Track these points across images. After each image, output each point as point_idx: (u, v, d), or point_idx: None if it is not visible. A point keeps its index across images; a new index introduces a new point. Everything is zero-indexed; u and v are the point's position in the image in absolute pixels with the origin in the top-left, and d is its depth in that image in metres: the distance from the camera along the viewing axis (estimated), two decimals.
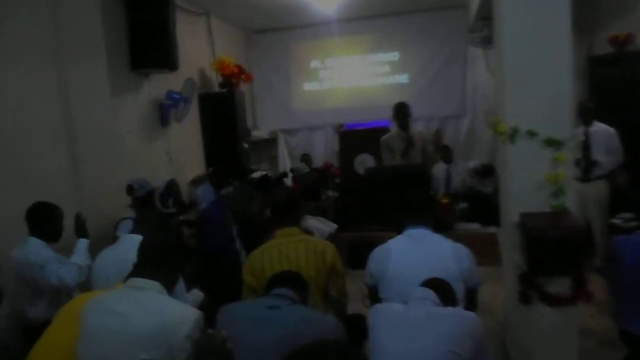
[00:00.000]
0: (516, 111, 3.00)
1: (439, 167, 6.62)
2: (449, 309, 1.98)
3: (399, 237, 2.41)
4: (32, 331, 2.46)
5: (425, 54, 7.27)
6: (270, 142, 7.74)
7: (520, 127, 3.01)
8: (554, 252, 2.74)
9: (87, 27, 4.14)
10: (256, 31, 7.70)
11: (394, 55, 7.41)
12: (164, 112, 5.22)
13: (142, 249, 1.87)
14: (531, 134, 3.00)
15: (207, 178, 5.24)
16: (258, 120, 7.81)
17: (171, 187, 4.39)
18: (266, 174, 4.66)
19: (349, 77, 7.58)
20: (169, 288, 1.83)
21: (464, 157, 7.00)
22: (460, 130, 7.28)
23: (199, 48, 6.20)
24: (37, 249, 2.85)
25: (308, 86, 7.71)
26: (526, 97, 3.00)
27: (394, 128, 4.76)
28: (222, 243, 3.71)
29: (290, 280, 2.08)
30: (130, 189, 4.23)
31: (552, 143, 2.99)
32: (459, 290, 2.22)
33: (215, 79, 6.32)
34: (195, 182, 5.71)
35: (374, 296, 2.41)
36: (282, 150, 7.80)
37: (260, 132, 7.53)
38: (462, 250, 2.37)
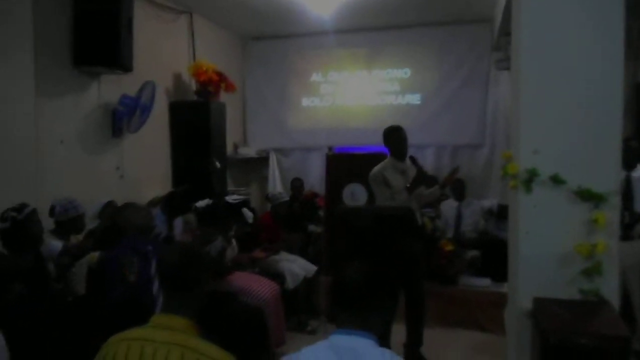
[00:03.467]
0: (534, 147, 2.03)
1: (449, 204, 5.62)
2: None
3: (320, 344, 1.45)
4: None
5: (441, 73, 6.32)
6: (261, 162, 6.86)
7: (540, 170, 2.03)
8: None
9: (15, 16, 3.40)
10: (253, 37, 6.89)
11: (405, 72, 6.48)
12: (117, 121, 4.39)
13: None
14: (556, 180, 2.03)
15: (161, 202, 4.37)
16: (248, 137, 6.95)
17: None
18: (212, 204, 3.70)
19: (353, 94, 6.66)
20: None
21: (479, 195, 5.97)
22: (476, 162, 6.26)
23: (177, 50, 5.41)
24: None
25: (306, 102, 6.83)
26: (551, 127, 2.03)
27: (388, 158, 3.77)
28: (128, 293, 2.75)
29: None
30: (52, 211, 3.46)
31: (589, 197, 2.01)
32: None
33: (194, 86, 5.50)
34: (154, 204, 4.84)
35: None
36: (273, 171, 6.89)
37: (249, 150, 6.66)
38: None
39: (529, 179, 2.05)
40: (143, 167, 4.81)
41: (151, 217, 2.98)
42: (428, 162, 6.46)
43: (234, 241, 4.09)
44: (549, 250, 2.04)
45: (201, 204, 3.64)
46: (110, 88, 4.33)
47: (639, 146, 3.78)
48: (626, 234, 3.65)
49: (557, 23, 2.04)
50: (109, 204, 3.81)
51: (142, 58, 4.50)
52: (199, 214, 3.61)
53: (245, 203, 4.72)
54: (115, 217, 3.09)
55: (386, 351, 1.40)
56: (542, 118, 2.05)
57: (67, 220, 3.46)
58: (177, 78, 5.42)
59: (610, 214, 2.00)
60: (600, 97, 2.00)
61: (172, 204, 4.20)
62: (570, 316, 1.87)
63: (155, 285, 2.80)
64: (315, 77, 6.78)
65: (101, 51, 3.95)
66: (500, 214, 5.32)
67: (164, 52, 5.16)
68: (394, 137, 3.74)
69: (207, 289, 1.62)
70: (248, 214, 3.81)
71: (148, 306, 2.68)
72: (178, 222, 4.29)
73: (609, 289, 2.00)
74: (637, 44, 5.12)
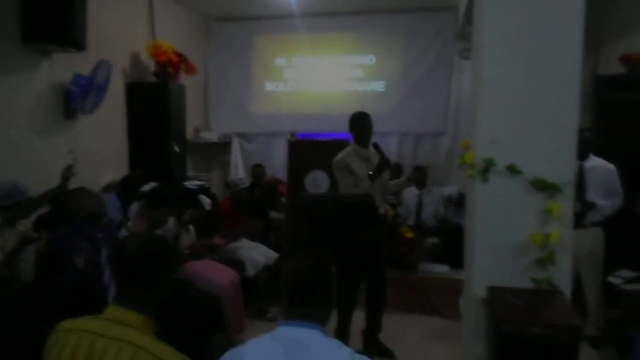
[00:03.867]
0: (491, 136, 2.02)
1: (410, 192, 5.66)
2: None
3: (265, 337, 1.40)
4: None
5: (405, 61, 6.30)
6: (223, 147, 6.72)
7: (497, 160, 2.03)
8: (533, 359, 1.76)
9: None
10: (217, 19, 6.70)
11: (370, 59, 6.44)
12: (70, 101, 4.19)
13: None
14: (513, 170, 2.03)
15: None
16: (211, 121, 6.79)
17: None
18: (159, 186, 3.56)
19: (317, 79, 6.58)
20: None
21: (440, 183, 6.04)
22: (439, 150, 6.30)
23: (134, 29, 5.20)
24: None
25: (270, 86, 6.71)
26: (508, 117, 2.03)
27: (351, 144, 3.71)
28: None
29: None
30: None
31: (544, 187, 2.02)
32: None
33: (153, 67, 5.30)
34: (110, 188, 4.67)
35: None
36: (236, 157, 6.76)
37: (211, 134, 6.50)
38: None
39: (486, 169, 2.04)
40: (98, 150, 4.62)
41: (102, 204, 2.86)
42: (391, 149, 6.47)
43: (191, 228, 3.99)
44: (504, 239, 2.05)
45: (147, 187, 3.50)
46: (63, 67, 4.11)
47: (593, 137, 3.85)
48: (578, 222, 3.74)
49: (517, 15, 2.02)
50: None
51: (97, 36, 4.29)
52: (146, 197, 3.48)
53: (203, 189, 4.61)
54: (65, 201, 2.95)
55: (333, 341, 1.36)
56: (500, 108, 2.04)
57: (12, 205, 3.29)
58: (135, 58, 5.21)
59: (565, 204, 2.02)
60: (557, 89, 2.00)
61: (127, 189, 4.05)
62: (524, 305, 1.89)
63: (107, 275, 2.70)
64: (279, 61, 6.66)
65: (52, 28, 3.72)
66: (461, 201, 5.37)
67: (121, 30, 4.94)
68: (359, 123, 3.68)
69: (169, 286, 1.54)
70: (205, 200, 3.70)
71: (99, 295, 2.58)
72: (133, 208, 4.15)
73: (562, 278, 2.03)
74: (598, 36, 5.23)
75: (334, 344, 1.36)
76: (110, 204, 3.98)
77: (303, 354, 1.31)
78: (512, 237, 2.04)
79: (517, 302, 1.89)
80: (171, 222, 3.70)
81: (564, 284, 2.01)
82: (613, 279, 3.88)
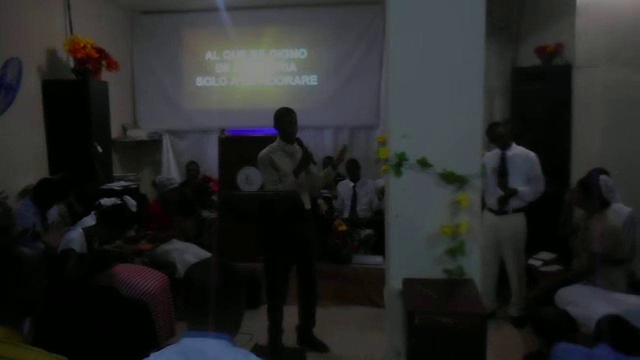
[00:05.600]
0: (403, 131, 2.06)
1: (345, 185, 5.71)
2: None
3: (169, 348, 1.35)
4: None
5: (337, 54, 6.33)
6: (153, 145, 6.51)
7: (408, 154, 2.06)
8: (443, 347, 1.81)
9: None
10: (141, 11, 6.45)
11: (302, 53, 6.43)
12: None
13: None
14: (423, 164, 2.07)
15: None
16: (139, 118, 6.55)
17: None
18: (122, 204, 3.41)
19: (249, 74, 6.50)
20: None
21: (375, 175, 6.11)
22: (371, 143, 6.38)
23: (50, 24, 4.91)
24: None
25: (201, 81, 6.55)
26: (418, 112, 2.06)
27: (277, 140, 3.67)
28: None
29: None
30: None
31: (453, 179, 2.07)
32: None
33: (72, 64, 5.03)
34: (27, 193, 4.40)
35: None
36: (167, 155, 6.58)
37: (139, 132, 6.27)
38: None
39: (399, 163, 2.08)
40: (13, 153, 4.34)
41: (5, 215, 2.66)
42: (326, 143, 6.52)
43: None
44: (418, 231, 2.09)
45: (107, 202, 3.35)
46: None
47: (506, 131, 4.01)
48: (501, 209, 3.92)
49: (423, 8, 2.06)
50: None
51: (6, 32, 4.04)
52: (103, 213, 3.33)
53: (128, 190, 4.44)
54: None
55: (240, 351, 1.33)
56: (410, 103, 2.07)
57: None
58: (52, 55, 4.93)
59: (473, 196, 2.08)
60: (463, 83, 2.06)
61: (44, 194, 3.83)
62: (435, 295, 1.94)
63: None
64: (210, 55, 6.52)
65: None
66: None
67: (35, 25, 4.65)
68: (284, 119, 3.63)
69: (29, 294, 1.45)
70: (131, 201, 3.55)
71: None
72: (53, 213, 3.94)
73: (472, 267, 2.10)
74: (517, 30, 5.45)
75: (240, 354, 1.33)
76: (26, 210, 3.75)
77: None
78: (425, 229, 2.08)
79: (429, 293, 1.94)
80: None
81: (474, 273, 2.09)
82: (533, 262, 4.08)
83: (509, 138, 3.90)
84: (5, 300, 1.38)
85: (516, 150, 3.90)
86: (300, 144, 3.46)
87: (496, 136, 3.91)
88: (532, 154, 3.86)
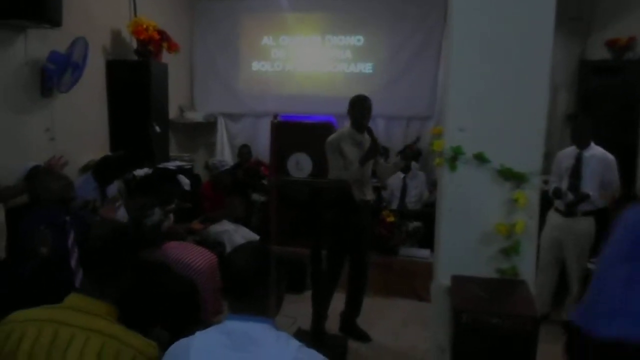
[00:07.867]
0: (460, 124, 1.99)
1: (395, 176, 5.63)
2: None
3: (213, 329, 1.38)
4: None
5: (394, 41, 6.20)
6: (209, 127, 6.65)
7: (465, 149, 2.00)
8: (491, 348, 1.76)
9: None
10: None
11: (358, 40, 6.34)
12: (46, 79, 4.11)
13: None
14: (480, 159, 2.00)
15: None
16: (195, 100, 6.70)
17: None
18: (154, 172, 3.50)
19: (304, 60, 6.48)
20: None
21: (427, 167, 6.01)
22: (426, 134, 6.25)
23: (115, 5, 5.07)
24: None
25: (257, 65, 6.60)
26: (477, 104, 1.99)
27: (345, 127, 3.61)
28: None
29: None
30: None
31: (512, 176, 1.99)
32: None
33: (134, 45, 5.20)
34: (89, 168, 4.61)
35: None
36: (222, 137, 6.70)
37: (196, 114, 6.42)
38: None
39: (454, 157, 2.02)
40: (76, 130, 4.55)
41: (70, 188, 2.79)
42: (379, 133, 6.42)
43: (171, 216, 3.96)
44: (471, 228, 2.03)
45: (140, 172, 3.46)
46: (38, 44, 4.02)
47: (588, 121, 3.73)
48: (570, 210, 3.70)
49: (488, 1, 1.97)
50: (35, 169, 3.60)
51: (75, 12, 4.20)
52: (137, 183, 3.44)
53: (183, 170, 4.55)
54: (33, 184, 2.91)
55: (281, 335, 1.35)
56: (469, 95, 2.00)
57: None
58: (116, 35, 5.10)
59: (532, 194, 1.99)
60: (527, 76, 1.96)
61: (104, 170, 3.99)
62: (485, 295, 1.88)
63: (74, 259, 2.65)
64: (266, 40, 6.56)
65: (26, 3, 3.64)
66: None
67: (101, 6, 4.81)
68: (357, 106, 3.53)
69: (133, 275, 1.53)
70: (184, 180, 3.65)
71: (64, 282, 2.54)
72: (112, 189, 4.11)
73: (526, 268, 2.02)
74: (587, 22, 5.16)
75: (282, 338, 1.35)
76: (86, 184, 3.93)
77: (250, 346, 1.30)
78: (478, 227, 2.02)
79: (478, 292, 1.89)
80: (157, 211, 3.67)
81: (528, 274, 2.01)
82: (591, 265, 3.88)
83: (590, 137, 3.64)
84: (112, 276, 1.45)
85: (594, 150, 3.63)
86: (371, 133, 3.36)
87: (581, 127, 3.62)
88: (610, 157, 3.60)
